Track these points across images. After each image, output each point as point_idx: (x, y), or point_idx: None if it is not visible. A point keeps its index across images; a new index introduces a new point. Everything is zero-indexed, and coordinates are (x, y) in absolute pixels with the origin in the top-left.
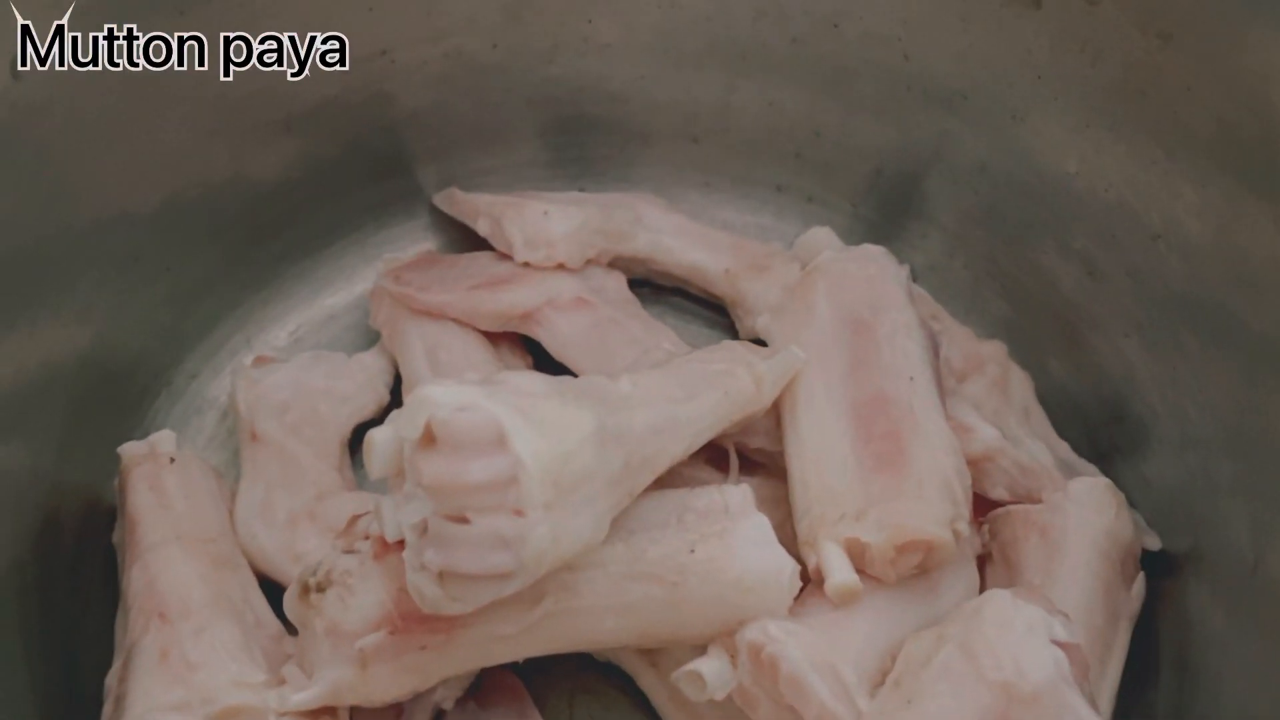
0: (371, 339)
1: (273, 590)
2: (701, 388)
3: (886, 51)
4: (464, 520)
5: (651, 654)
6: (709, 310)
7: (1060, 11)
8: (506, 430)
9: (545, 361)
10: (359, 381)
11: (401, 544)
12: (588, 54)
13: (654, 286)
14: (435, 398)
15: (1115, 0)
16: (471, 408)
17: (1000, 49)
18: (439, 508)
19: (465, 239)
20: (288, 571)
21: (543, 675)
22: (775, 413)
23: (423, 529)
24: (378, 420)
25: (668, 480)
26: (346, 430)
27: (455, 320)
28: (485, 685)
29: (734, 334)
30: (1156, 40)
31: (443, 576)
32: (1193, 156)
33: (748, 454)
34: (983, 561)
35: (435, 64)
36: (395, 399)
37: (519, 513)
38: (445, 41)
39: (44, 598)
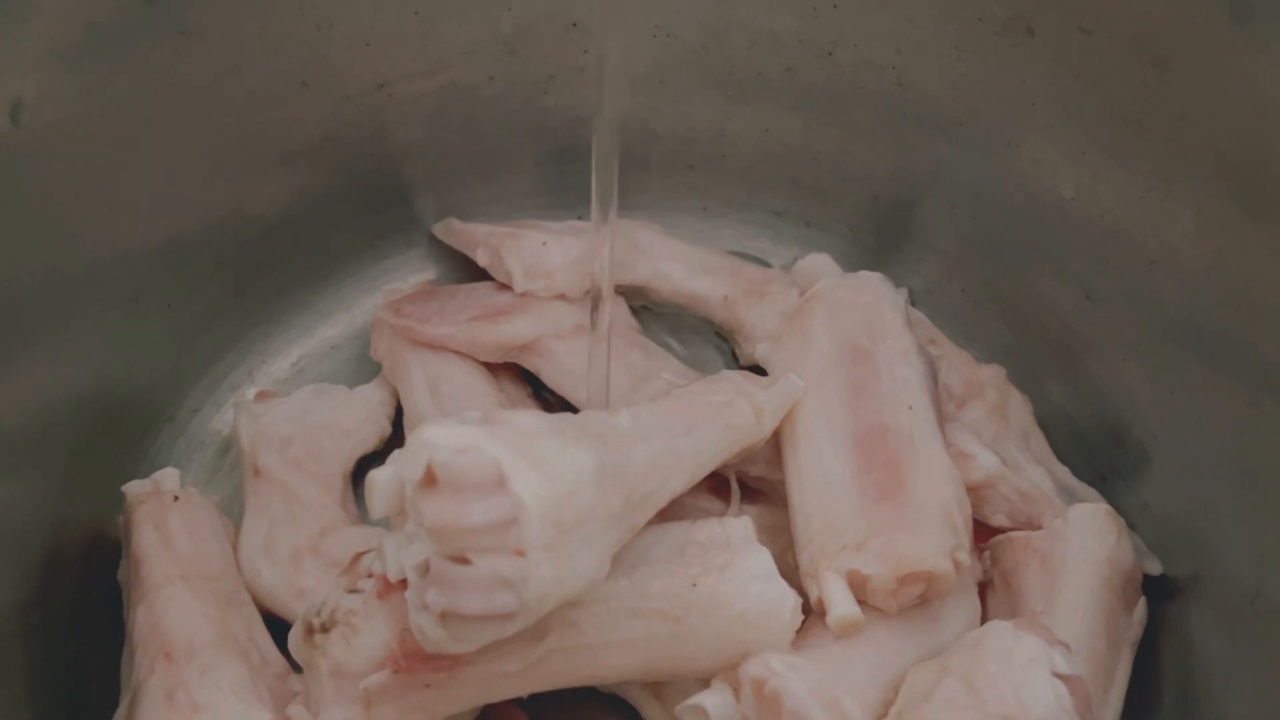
0: (373, 369)
1: (277, 625)
2: (702, 420)
3: (881, 79)
4: (465, 561)
5: (655, 686)
6: (708, 328)
7: (1055, 39)
8: (506, 471)
9: (544, 388)
10: (361, 414)
11: (405, 583)
12: (584, 84)
13: (653, 311)
14: (435, 439)
15: (1110, 28)
16: (471, 449)
17: (995, 76)
18: (440, 548)
19: (465, 268)
20: (292, 608)
21: (547, 709)
22: (775, 440)
23: (425, 569)
24: (380, 453)
25: (669, 509)
26: (349, 463)
27: (456, 352)
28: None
29: (733, 353)
30: (1152, 68)
31: (445, 617)
32: (1189, 183)
33: (748, 481)
34: (984, 588)
35: (432, 97)
36: (397, 429)
37: (520, 553)
38: (441, 74)
39: (48, 637)
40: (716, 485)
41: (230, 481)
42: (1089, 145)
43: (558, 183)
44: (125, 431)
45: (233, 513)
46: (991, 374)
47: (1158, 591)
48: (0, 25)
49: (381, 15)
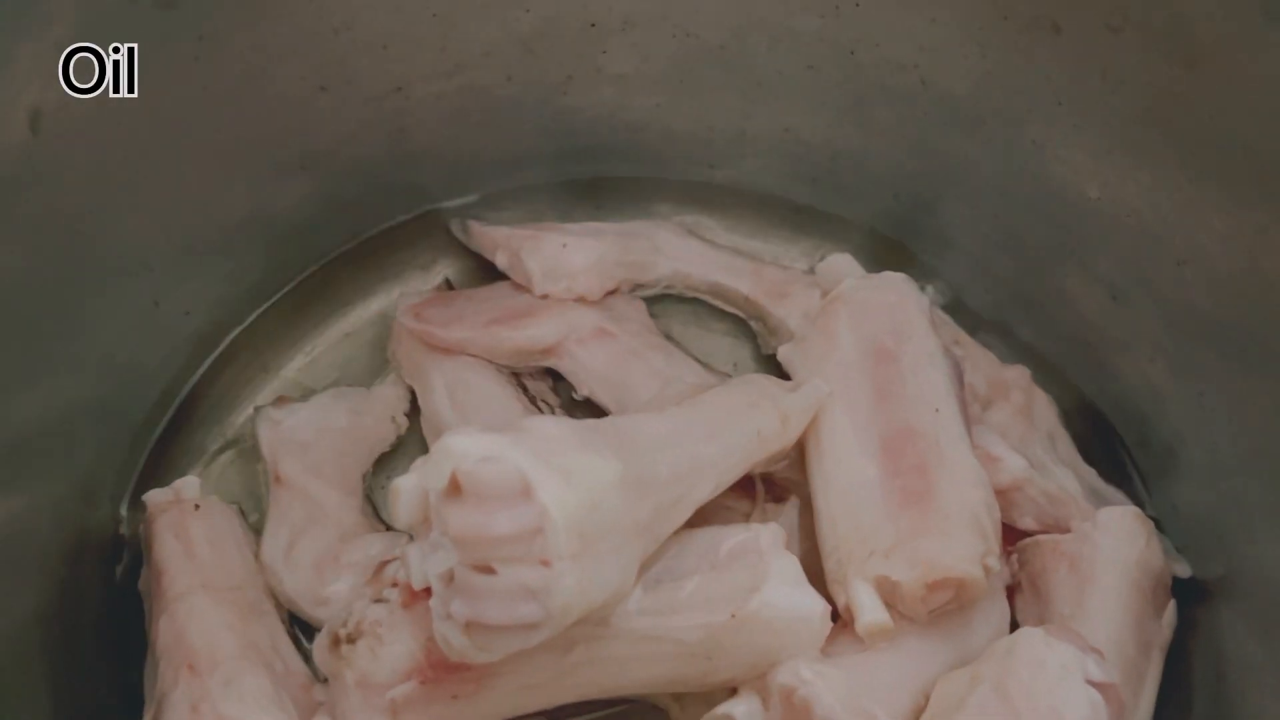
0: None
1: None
2: (728, 426)
3: (904, 78)
4: (490, 571)
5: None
6: (729, 321)
7: (1081, 38)
8: (531, 481)
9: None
10: (379, 415)
11: (430, 592)
12: (603, 84)
13: (676, 297)
14: (459, 448)
15: (1139, 26)
16: (496, 458)
17: (1019, 75)
18: (465, 558)
19: (483, 268)
20: (315, 616)
21: (575, 706)
22: (799, 443)
23: (449, 579)
24: (400, 458)
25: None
26: (368, 465)
27: (474, 355)
28: None
29: (755, 344)
30: (1181, 66)
31: (469, 627)
32: (1218, 183)
33: (773, 480)
34: (1011, 591)
35: (450, 98)
36: (413, 423)
37: (545, 563)
38: (460, 76)
39: (71, 648)
40: (740, 482)
41: (249, 482)
42: (1115, 145)
43: (577, 183)
44: (145, 438)
45: (251, 513)
46: (1016, 375)
47: (1187, 594)
48: (19, 35)
49: (399, 18)
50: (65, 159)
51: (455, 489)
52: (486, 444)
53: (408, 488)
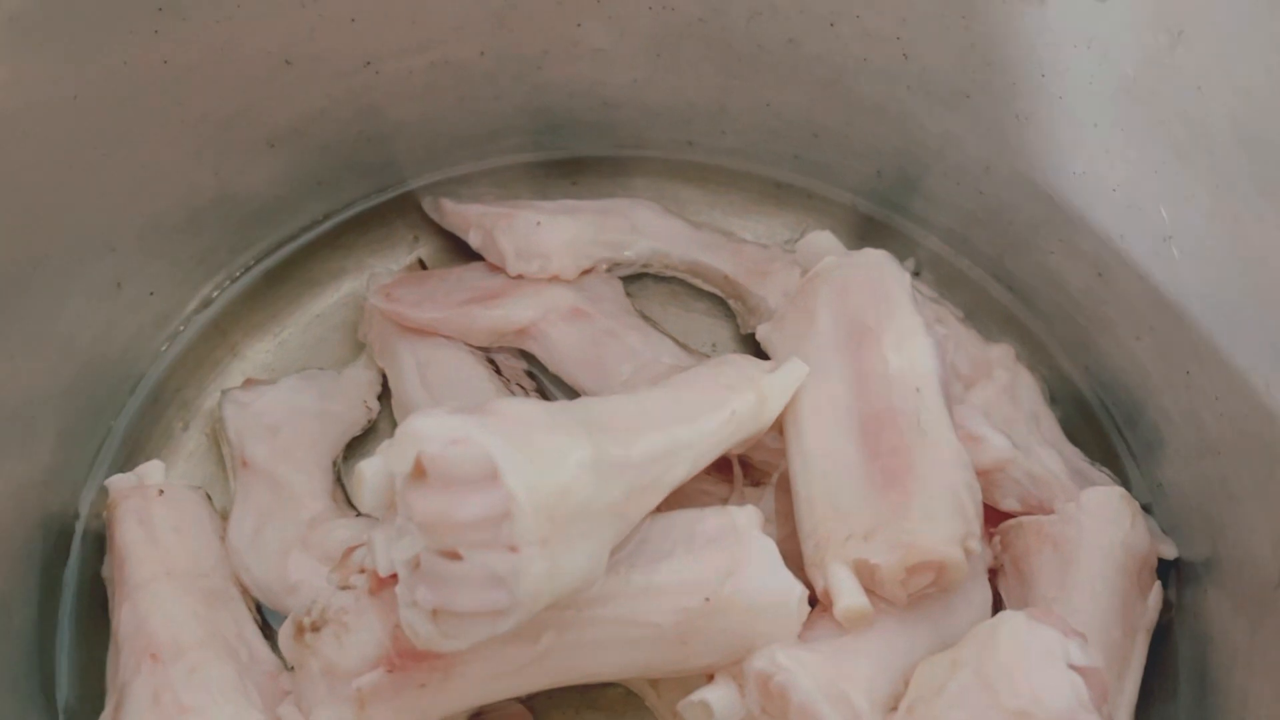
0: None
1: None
2: (704, 408)
3: (885, 51)
4: (457, 557)
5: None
6: (708, 300)
7: (1066, 8)
8: (499, 464)
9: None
10: (350, 399)
11: (397, 578)
12: (579, 59)
13: (654, 276)
14: (425, 430)
15: None
16: (462, 441)
17: (1004, 47)
18: (431, 544)
19: (457, 248)
20: (283, 603)
21: (548, 691)
22: (779, 425)
23: (415, 564)
24: (372, 442)
25: (671, 493)
26: (338, 449)
27: (447, 336)
28: (489, 710)
29: (734, 323)
30: (1167, 38)
31: (436, 614)
32: (1205, 158)
33: (752, 463)
34: (994, 573)
35: (422, 73)
36: (385, 407)
37: (513, 549)
38: (432, 50)
39: (32, 635)
40: (719, 466)
41: (217, 465)
42: (1100, 118)
43: (552, 160)
44: (108, 421)
45: (218, 496)
46: (1000, 353)
47: (1173, 575)
48: None
49: None
50: (21, 136)
51: (420, 472)
52: (452, 426)
53: (372, 471)
